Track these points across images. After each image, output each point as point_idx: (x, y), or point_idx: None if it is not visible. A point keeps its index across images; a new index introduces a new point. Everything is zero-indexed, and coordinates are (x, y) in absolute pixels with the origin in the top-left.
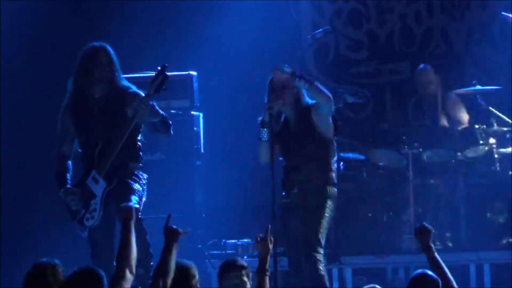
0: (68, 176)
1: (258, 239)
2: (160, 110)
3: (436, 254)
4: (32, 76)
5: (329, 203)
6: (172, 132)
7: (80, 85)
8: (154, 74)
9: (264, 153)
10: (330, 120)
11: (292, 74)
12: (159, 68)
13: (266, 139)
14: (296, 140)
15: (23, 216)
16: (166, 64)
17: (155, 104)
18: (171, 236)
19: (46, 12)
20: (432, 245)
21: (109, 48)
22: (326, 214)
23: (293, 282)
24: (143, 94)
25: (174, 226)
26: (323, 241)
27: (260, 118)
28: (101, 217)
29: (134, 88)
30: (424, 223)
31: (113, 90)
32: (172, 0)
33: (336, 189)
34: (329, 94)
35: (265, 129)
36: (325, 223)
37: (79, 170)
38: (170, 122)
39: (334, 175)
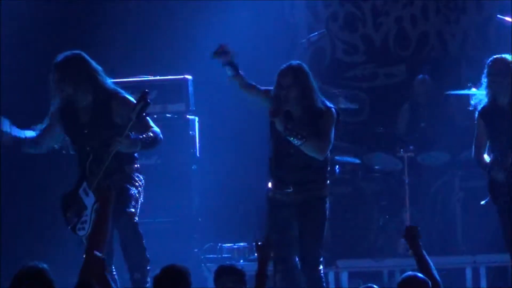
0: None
1: (258, 244)
2: (137, 138)
3: (424, 252)
4: (31, 77)
5: (327, 205)
6: (157, 144)
7: (61, 101)
8: (136, 100)
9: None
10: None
11: (285, 129)
12: (140, 94)
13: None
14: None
15: (22, 218)
16: (147, 90)
17: (132, 136)
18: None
19: (44, 13)
20: (420, 243)
21: (63, 60)
22: (326, 222)
23: (280, 282)
24: (128, 97)
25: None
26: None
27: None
28: None
29: (120, 92)
30: (408, 225)
31: (98, 98)
32: (168, 3)
33: (329, 187)
34: (324, 150)
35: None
36: (324, 231)
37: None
38: (153, 137)
39: (328, 174)
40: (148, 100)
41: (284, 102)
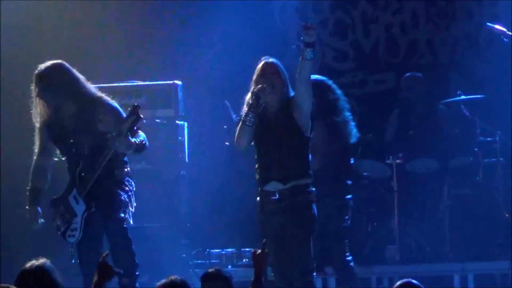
0: (42, 193)
1: (255, 252)
2: (132, 141)
3: None
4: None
5: (314, 211)
6: (145, 150)
7: (45, 111)
8: (127, 114)
9: (245, 138)
10: (309, 115)
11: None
12: (131, 108)
13: (251, 124)
14: (276, 131)
15: (21, 219)
16: (138, 105)
17: (130, 138)
18: (104, 273)
19: (35, 17)
20: None
21: (44, 71)
22: (315, 226)
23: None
24: (111, 103)
25: (110, 264)
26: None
27: (249, 102)
28: (84, 231)
29: (104, 99)
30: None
31: (81, 107)
32: (158, 8)
33: (314, 188)
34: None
35: (252, 114)
36: (313, 235)
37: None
38: (143, 142)
39: (311, 172)
40: (141, 115)
41: (270, 93)
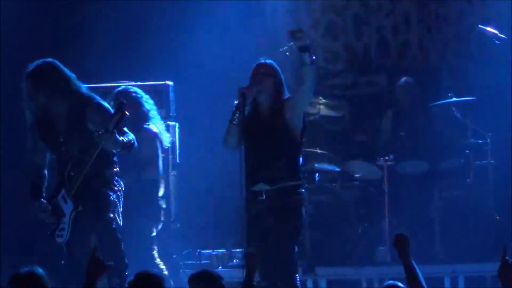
0: (43, 188)
1: (247, 253)
2: (119, 139)
3: (412, 261)
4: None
5: (302, 211)
6: (133, 149)
7: (36, 110)
8: (113, 111)
9: (233, 137)
10: (302, 117)
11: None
12: (117, 106)
13: (237, 123)
14: (266, 132)
15: (21, 219)
16: (124, 102)
17: (116, 136)
18: (96, 269)
19: (25, 17)
20: (409, 252)
21: (35, 69)
22: (301, 227)
23: None
24: (102, 103)
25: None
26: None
27: (236, 102)
28: (71, 232)
29: (94, 99)
30: (401, 232)
31: (72, 106)
32: (150, 8)
33: (304, 193)
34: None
35: (238, 113)
36: (299, 237)
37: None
38: (132, 141)
39: (302, 175)
40: (126, 112)
41: (259, 93)
